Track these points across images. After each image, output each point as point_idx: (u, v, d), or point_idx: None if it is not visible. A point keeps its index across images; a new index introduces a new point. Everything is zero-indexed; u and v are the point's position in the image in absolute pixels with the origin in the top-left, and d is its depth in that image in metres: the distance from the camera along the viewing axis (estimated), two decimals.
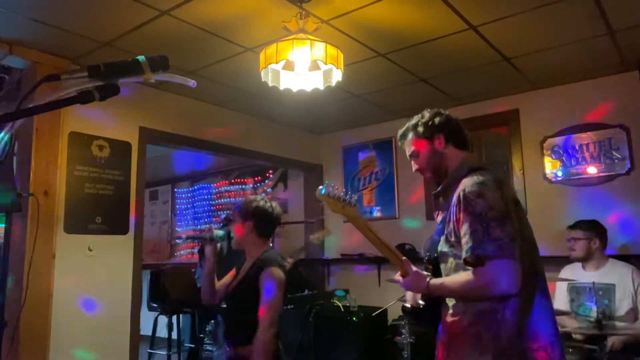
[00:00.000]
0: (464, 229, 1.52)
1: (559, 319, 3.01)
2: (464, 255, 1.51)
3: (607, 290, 3.05)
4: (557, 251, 3.56)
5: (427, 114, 1.82)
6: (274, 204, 2.43)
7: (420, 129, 1.79)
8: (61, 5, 2.72)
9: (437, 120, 1.78)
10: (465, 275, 1.55)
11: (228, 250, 4.06)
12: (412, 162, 1.85)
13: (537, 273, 1.57)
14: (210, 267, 2.40)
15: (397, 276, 1.73)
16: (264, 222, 2.36)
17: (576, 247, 3.15)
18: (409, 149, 1.84)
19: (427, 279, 1.65)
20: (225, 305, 2.43)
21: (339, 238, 5.23)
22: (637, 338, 2.80)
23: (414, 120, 1.83)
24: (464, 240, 1.52)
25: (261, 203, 2.37)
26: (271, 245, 2.47)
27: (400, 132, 1.87)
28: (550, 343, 1.51)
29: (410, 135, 1.82)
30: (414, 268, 1.70)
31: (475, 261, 1.49)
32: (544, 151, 4.13)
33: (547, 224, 3.90)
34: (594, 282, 3.01)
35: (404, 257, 1.71)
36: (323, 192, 1.61)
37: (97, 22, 2.91)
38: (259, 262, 2.27)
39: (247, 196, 2.53)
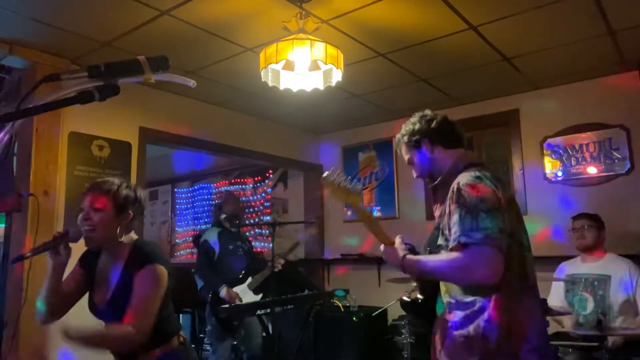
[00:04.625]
0: (454, 218, 1.52)
1: (559, 318, 3.05)
2: (451, 243, 1.52)
3: (602, 281, 3.06)
4: (557, 251, 3.56)
5: (411, 120, 1.85)
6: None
7: (406, 139, 1.84)
8: (61, 5, 2.72)
9: (416, 127, 1.81)
10: (445, 255, 1.56)
11: (220, 253, 4.02)
12: (412, 169, 1.89)
13: (527, 275, 1.57)
14: (59, 276, 1.82)
15: (382, 246, 1.76)
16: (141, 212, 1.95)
17: (587, 234, 3.15)
18: (404, 158, 1.89)
19: (404, 253, 1.66)
20: (104, 315, 1.87)
21: (339, 238, 5.23)
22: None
23: (402, 131, 1.87)
24: (453, 229, 1.52)
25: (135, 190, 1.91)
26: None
27: (394, 143, 1.92)
28: (539, 342, 1.51)
29: (402, 145, 1.87)
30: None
31: (460, 248, 1.49)
32: (544, 151, 4.13)
33: (547, 223, 3.90)
34: (585, 278, 3.04)
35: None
36: (329, 179, 1.63)
37: (97, 22, 2.91)
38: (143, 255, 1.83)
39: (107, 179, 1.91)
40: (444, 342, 1.63)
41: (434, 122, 1.80)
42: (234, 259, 3.98)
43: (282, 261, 4.06)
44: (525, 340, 1.49)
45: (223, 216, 4.14)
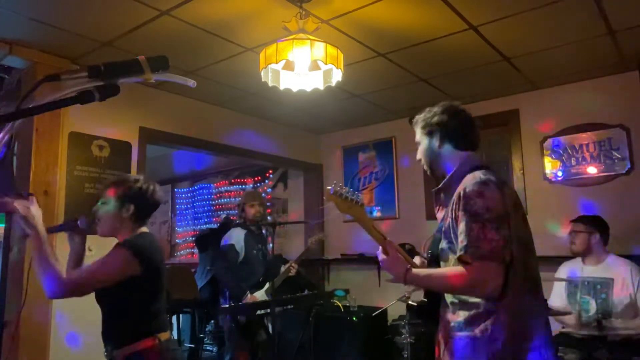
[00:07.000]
0: (461, 227, 1.53)
1: (561, 317, 3.05)
2: (458, 253, 1.53)
3: (605, 284, 3.05)
4: (557, 251, 3.56)
5: (435, 108, 1.82)
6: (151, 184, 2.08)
7: (421, 124, 1.82)
8: (61, 5, 2.72)
9: (435, 119, 1.78)
10: (452, 271, 1.57)
11: (244, 258, 3.96)
12: (418, 149, 1.87)
13: (531, 276, 1.57)
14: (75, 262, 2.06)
15: (379, 251, 1.76)
16: (145, 206, 2.04)
17: (576, 240, 3.14)
18: (416, 137, 1.87)
19: (408, 266, 1.66)
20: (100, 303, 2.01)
21: (339, 238, 5.23)
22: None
23: (423, 114, 1.84)
24: (460, 239, 1.53)
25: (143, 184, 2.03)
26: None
27: (413, 121, 1.89)
28: (544, 344, 1.52)
29: (417, 127, 1.85)
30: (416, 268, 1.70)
31: (468, 260, 1.50)
32: (544, 151, 4.13)
33: (547, 223, 3.90)
34: (588, 281, 3.02)
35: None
36: (332, 192, 1.64)
37: (97, 22, 2.91)
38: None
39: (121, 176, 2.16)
40: (448, 341, 1.63)
41: (455, 119, 1.78)
42: (256, 263, 3.87)
43: (296, 265, 4.01)
44: (529, 340, 1.49)
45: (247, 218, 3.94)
